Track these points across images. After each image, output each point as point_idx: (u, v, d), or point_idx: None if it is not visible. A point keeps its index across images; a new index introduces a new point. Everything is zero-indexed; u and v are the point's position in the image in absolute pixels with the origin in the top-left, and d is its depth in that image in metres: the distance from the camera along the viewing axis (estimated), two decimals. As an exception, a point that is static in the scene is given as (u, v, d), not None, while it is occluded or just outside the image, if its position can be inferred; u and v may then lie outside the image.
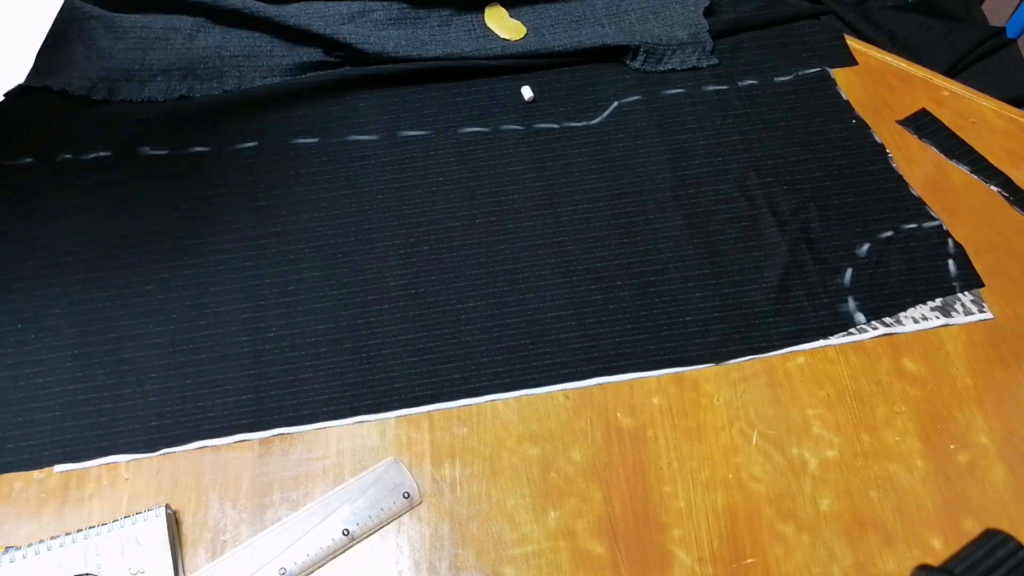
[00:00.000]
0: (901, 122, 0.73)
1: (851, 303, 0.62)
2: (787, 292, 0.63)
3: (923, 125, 0.73)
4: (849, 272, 0.64)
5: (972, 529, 0.52)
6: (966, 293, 0.62)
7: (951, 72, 0.79)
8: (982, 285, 0.63)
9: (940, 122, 0.73)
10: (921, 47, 0.82)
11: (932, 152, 0.71)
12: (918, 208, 0.67)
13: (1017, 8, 0.84)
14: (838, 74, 0.77)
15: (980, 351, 0.60)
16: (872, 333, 0.60)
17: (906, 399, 0.57)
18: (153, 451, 0.56)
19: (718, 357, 0.60)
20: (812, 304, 0.62)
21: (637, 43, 0.77)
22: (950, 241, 0.65)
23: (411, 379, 0.59)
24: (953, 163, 0.70)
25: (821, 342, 0.60)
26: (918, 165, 0.70)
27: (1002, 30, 0.84)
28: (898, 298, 0.62)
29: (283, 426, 0.57)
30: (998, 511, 0.53)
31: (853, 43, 0.80)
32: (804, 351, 0.60)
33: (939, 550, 0.52)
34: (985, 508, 0.53)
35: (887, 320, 0.61)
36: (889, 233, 0.66)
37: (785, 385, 0.58)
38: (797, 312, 0.62)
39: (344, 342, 0.61)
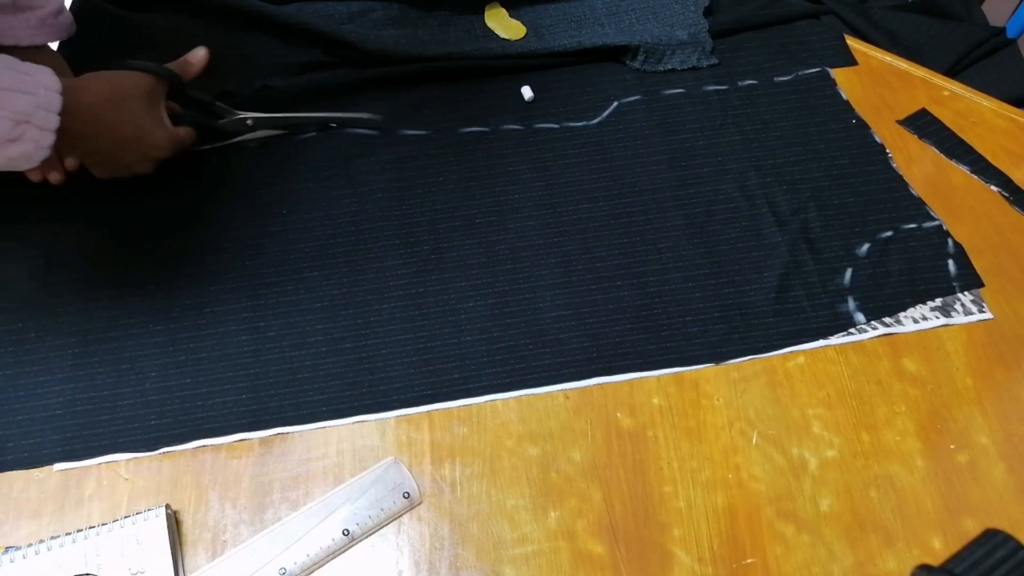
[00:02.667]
0: (901, 122, 0.73)
1: (851, 303, 0.62)
2: (787, 292, 0.63)
3: (923, 125, 0.73)
4: (849, 272, 0.64)
5: (972, 529, 0.52)
6: (966, 293, 0.62)
7: (951, 72, 0.79)
8: (982, 285, 0.63)
9: (940, 122, 0.73)
10: (921, 47, 0.81)
11: (932, 152, 0.71)
12: (918, 208, 0.67)
13: (1017, 8, 0.84)
14: (838, 74, 0.77)
15: (980, 351, 0.60)
16: (872, 333, 0.60)
17: (906, 399, 0.57)
18: (153, 450, 0.56)
19: (718, 357, 0.60)
20: (812, 304, 0.62)
21: (637, 43, 0.77)
22: (950, 241, 0.65)
23: (411, 379, 0.59)
24: (953, 163, 0.70)
25: (821, 342, 0.60)
26: (918, 165, 0.70)
27: (1002, 30, 0.84)
28: (898, 298, 0.62)
29: (283, 425, 0.57)
30: (998, 511, 0.53)
31: (853, 43, 0.80)
32: (804, 351, 0.60)
33: (939, 550, 0.52)
34: (985, 508, 0.53)
35: (887, 320, 0.61)
36: (889, 233, 0.66)
37: (785, 385, 0.58)
38: (797, 312, 0.62)
39: (344, 341, 0.61)
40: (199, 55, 0.71)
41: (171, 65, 0.68)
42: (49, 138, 0.56)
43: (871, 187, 0.69)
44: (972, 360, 0.59)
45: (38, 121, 0.55)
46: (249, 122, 0.71)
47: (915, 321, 0.61)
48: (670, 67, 0.77)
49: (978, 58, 0.81)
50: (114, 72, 0.63)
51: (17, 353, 0.60)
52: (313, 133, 0.73)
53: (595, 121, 0.74)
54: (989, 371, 0.59)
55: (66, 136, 0.57)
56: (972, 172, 0.70)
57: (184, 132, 0.69)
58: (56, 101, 0.55)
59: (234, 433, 0.57)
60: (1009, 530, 0.51)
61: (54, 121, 0.55)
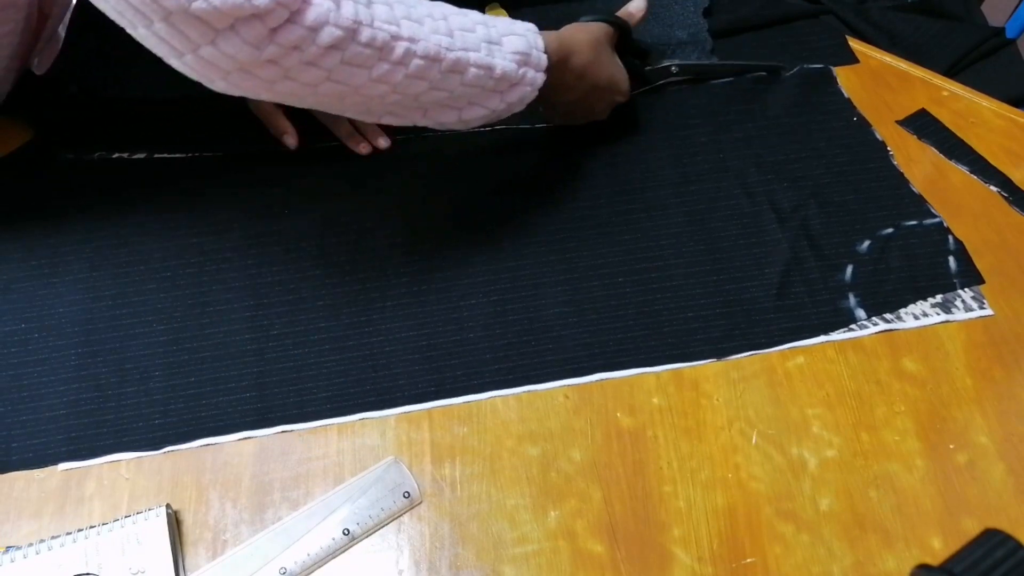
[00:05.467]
0: (901, 122, 0.73)
1: (852, 299, 0.62)
2: (788, 288, 0.63)
3: (923, 125, 0.73)
4: (850, 269, 0.64)
5: (971, 529, 0.52)
6: (966, 290, 0.62)
7: (951, 72, 0.79)
8: (982, 282, 0.63)
9: (940, 122, 0.73)
10: (921, 47, 0.81)
11: (932, 152, 0.71)
12: (918, 205, 0.67)
13: (1016, 8, 0.84)
14: (838, 73, 0.77)
15: (979, 351, 0.60)
16: (873, 329, 0.61)
17: (905, 399, 0.58)
18: (157, 448, 0.56)
19: (720, 353, 0.60)
20: (813, 300, 0.62)
21: (635, 43, 0.77)
22: (950, 238, 0.65)
23: (414, 376, 0.59)
24: (952, 163, 0.70)
25: (822, 338, 0.60)
26: (918, 165, 0.70)
27: (1001, 30, 0.84)
28: (899, 294, 0.62)
29: (287, 423, 0.57)
30: (997, 511, 0.53)
31: (853, 43, 0.80)
32: (804, 350, 0.60)
33: (938, 550, 0.52)
34: (984, 508, 0.53)
35: (887, 316, 0.61)
36: (890, 230, 0.66)
37: (785, 385, 0.58)
38: (798, 308, 0.62)
39: (347, 339, 0.61)
40: (640, 4, 0.72)
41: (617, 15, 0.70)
42: (540, 79, 0.59)
43: (872, 184, 0.69)
44: (971, 360, 0.59)
45: (533, 61, 0.58)
46: (674, 69, 0.75)
47: (916, 317, 0.61)
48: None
49: (977, 58, 0.82)
50: (584, 24, 0.67)
51: (20, 354, 0.60)
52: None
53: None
54: (988, 371, 0.59)
55: (551, 88, 0.61)
56: (971, 172, 0.70)
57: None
58: (539, 41, 0.59)
59: (239, 431, 0.57)
60: (1009, 530, 0.50)
61: (543, 60, 0.59)
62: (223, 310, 0.63)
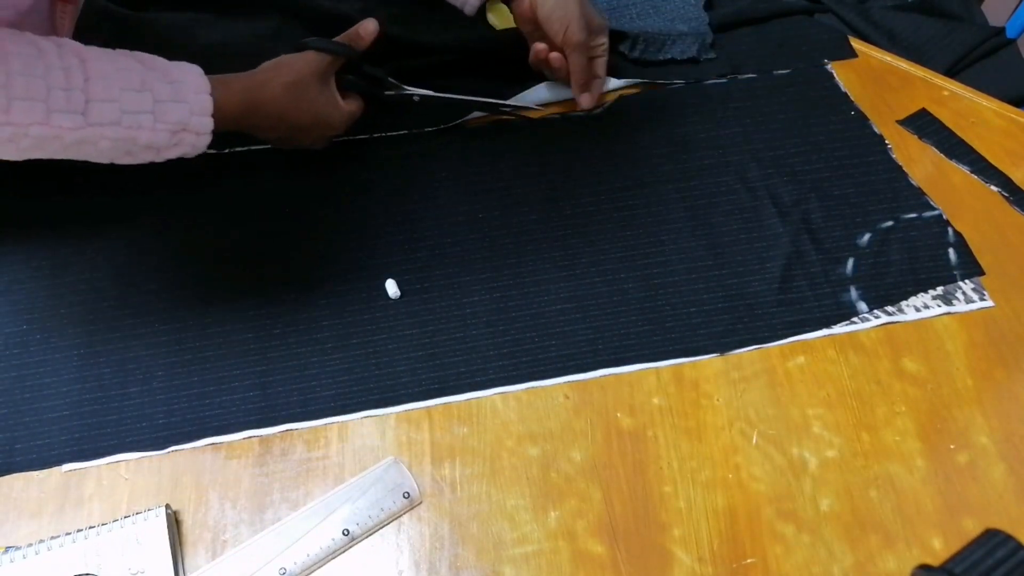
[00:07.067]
0: (901, 122, 0.73)
1: (853, 292, 0.62)
2: (790, 282, 0.63)
3: (923, 125, 0.73)
4: (851, 262, 0.64)
5: (972, 529, 0.52)
6: (967, 281, 0.63)
7: (951, 72, 0.79)
8: (982, 273, 0.63)
9: (940, 122, 0.73)
10: (921, 47, 0.82)
11: (932, 152, 0.71)
12: (917, 198, 0.67)
13: (1017, 8, 0.84)
14: (838, 70, 0.77)
15: (980, 351, 0.60)
16: (875, 322, 0.61)
17: (906, 399, 0.57)
18: (161, 448, 0.56)
19: (722, 347, 0.60)
20: (815, 294, 0.62)
21: (636, 33, 0.77)
22: (950, 230, 0.65)
23: (418, 373, 0.59)
24: (953, 163, 0.70)
25: (825, 331, 0.60)
26: (918, 165, 0.70)
27: (1002, 30, 0.84)
28: (900, 287, 0.62)
29: (291, 422, 0.57)
30: (998, 511, 0.53)
31: (853, 43, 0.80)
32: (804, 350, 0.60)
33: (939, 550, 0.52)
34: (985, 508, 0.53)
35: (889, 309, 0.61)
36: (889, 223, 0.66)
37: (785, 385, 0.58)
38: (800, 302, 0.62)
39: (350, 337, 0.61)
40: (369, 28, 0.68)
41: (342, 38, 0.68)
42: (205, 140, 0.59)
43: (871, 177, 0.69)
44: (972, 360, 0.59)
45: (193, 127, 0.57)
46: (416, 99, 0.72)
47: (917, 310, 0.61)
48: (669, 56, 0.77)
49: (978, 58, 0.82)
50: (291, 59, 0.65)
51: (22, 355, 0.60)
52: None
53: (597, 114, 0.74)
54: (989, 371, 0.59)
55: (248, 129, 0.63)
56: (972, 172, 0.70)
57: (356, 106, 0.69)
58: (208, 103, 0.58)
59: (243, 430, 0.57)
60: (1009, 530, 0.51)
61: (208, 124, 0.58)
62: (225, 309, 0.63)
